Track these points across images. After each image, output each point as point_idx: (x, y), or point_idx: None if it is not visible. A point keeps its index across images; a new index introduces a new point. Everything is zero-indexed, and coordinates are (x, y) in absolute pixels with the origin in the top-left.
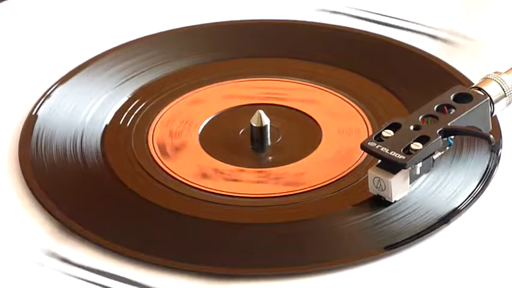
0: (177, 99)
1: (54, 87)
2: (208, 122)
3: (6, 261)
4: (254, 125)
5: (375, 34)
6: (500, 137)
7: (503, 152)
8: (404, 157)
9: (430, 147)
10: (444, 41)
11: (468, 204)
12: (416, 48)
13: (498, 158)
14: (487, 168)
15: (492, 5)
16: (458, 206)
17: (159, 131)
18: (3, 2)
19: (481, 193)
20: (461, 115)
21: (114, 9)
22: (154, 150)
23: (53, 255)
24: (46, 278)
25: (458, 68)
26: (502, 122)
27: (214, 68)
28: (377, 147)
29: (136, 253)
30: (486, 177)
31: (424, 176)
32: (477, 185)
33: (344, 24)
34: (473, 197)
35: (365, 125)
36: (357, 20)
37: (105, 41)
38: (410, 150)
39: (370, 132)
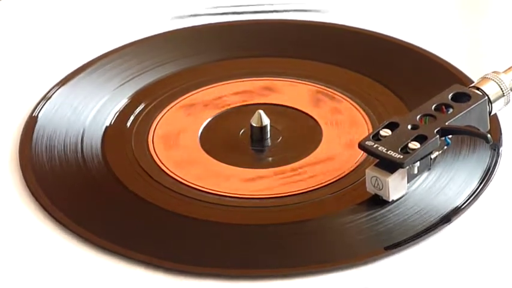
0: (177, 100)
1: (54, 89)
2: (208, 122)
3: (5, 261)
4: (254, 125)
5: (374, 32)
6: (501, 135)
7: (504, 150)
8: (401, 156)
9: (427, 146)
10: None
11: (469, 203)
12: (416, 46)
13: (499, 157)
14: (487, 167)
15: (492, 5)
16: (459, 205)
17: (159, 132)
18: (3, 2)
19: (482, 192)
20: (459, 114)
21: (114, 11)
22: (155, 152)
23: (53, 255)
24: (45, 277)
25: (458, 67)
26: (502, 121)
27: (214, 69)
28: (374, 146)
29: (135, 253)
30: (487, 176)
31: (424, 175)
32: (478, 184)
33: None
34: (474, 195)
35: (365, 124)
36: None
37: (105, 43)
38: (408, 150)
39: (370, 131)
